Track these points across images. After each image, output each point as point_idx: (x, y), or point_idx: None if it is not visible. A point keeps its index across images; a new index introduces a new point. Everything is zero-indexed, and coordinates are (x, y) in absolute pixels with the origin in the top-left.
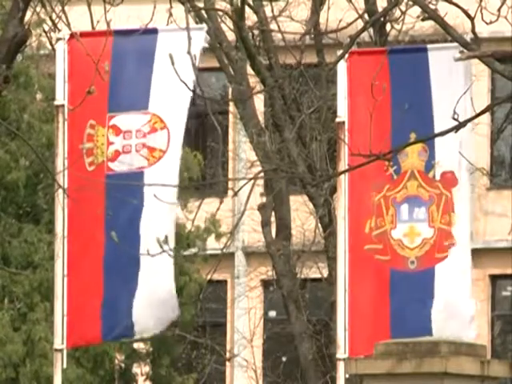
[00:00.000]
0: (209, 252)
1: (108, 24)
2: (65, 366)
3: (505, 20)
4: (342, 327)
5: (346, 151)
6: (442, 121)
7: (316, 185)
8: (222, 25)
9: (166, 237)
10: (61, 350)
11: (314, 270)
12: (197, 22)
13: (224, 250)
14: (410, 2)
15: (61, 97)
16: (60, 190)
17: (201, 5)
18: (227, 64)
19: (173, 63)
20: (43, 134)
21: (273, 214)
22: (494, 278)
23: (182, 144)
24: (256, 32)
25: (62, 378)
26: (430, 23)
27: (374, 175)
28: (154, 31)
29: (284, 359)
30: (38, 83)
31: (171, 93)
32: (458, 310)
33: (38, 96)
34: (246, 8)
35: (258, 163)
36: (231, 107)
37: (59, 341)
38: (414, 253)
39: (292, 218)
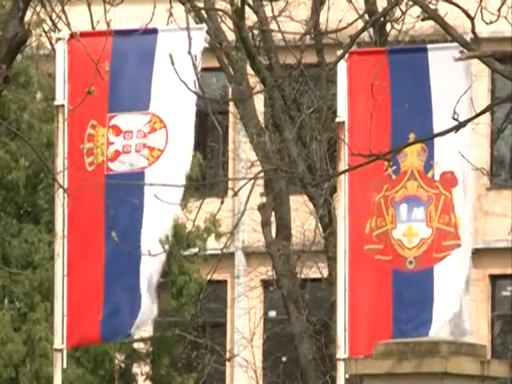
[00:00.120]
0: (209, 252)
1: (108, 24)
2: (65, 365)
3: (505, 20)
4: (341, 327)
5: (346, 151)
6: (441, 121)
7: (316, 185)
8: (222, 25)
9: (167, 237)
10: (61, 350)
11: (314, 270)
12: (197, 22)
13: (224, 250)
14: (410, 2)
15: (61, 97)
16: (60, 190)
17: (201, 5)
18: (227, 64)
19: (173, 63)
20: (43, 134)
21: (273, 214)
22: (494, 278)
23: (190, 145)
24: (256, 32)
25: (62, 378)
26: (430, 23)
27: (374, 175)
28: (154, 31)
29: (284, 359)
30: (38, 83)
31: (172, 93)
32: (458, 310)
33: (38, 96)
34: (246, 8)
35: (258, 163)
36: (231, 107)
37: (59, 341)
38: (412, 253)
39: (292, 218)
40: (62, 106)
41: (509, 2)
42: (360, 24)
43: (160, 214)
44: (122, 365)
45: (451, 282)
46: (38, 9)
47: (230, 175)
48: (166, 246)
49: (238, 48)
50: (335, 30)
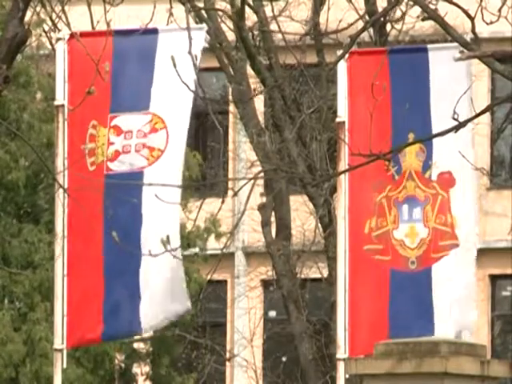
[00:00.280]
0: (209, 252)
1: (108, 24)
2: (65, 365)
3: (505, 20)
4: (342, 327)
5: (346, 151)
6: (441, 121)
7: (316, 185)
8: (222, 25)
9: (168, 236)
10: (61, 350)
11: (314, 270)
12: (197, 22)
13: (224, 250)
14: (410, 2)
15: (61, 97)
16: (60, 190)
17: (201, 5)
18: (227, 64)
19: (175, 66)
20: (43, 134)
21: (273, 214)
22: (494, 278)
23: (184, 144)
24: (256, 32)
25: (62, 378)
26: (429, 23)
27: (375, 175)
28: (155, 31)
29: (284, 359)
30: (38, 83)
31: (172, 93)
32: (458, 310)
33: (38, 96)
34: (246, 8)
35: (258, 163)
36: (231, 107)
37: (59, 341)
38: (414, 253)
39: (292, 218)
40: (62, 106)
41: (509, 2)
42: (360, 24)
43: (160, 214)
44: (122, 365)
45: (450, 282)
46: (38, 9)
47: (230, 175)
48: (172, 246)
49: (238, 48)
50: (335, 30)
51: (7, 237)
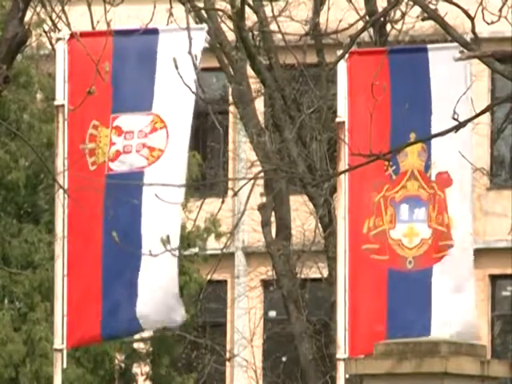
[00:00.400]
0: (209, 252)
1: (108, 24)
2: (65, 365)
3: (505, 20)
4: (342, 327)
5: (346, 151)
6: (441, 121)
7: (316, 185)
8: (222, 25)
9: (168, 236)
10: (61, 350)
11: (314, 270)
12: (197, 22)
13: (224, 250)
14: (411, 3)
15: (61, 97)
16: (60, 191)
17: (201, 5)
18: (227, 64)
19: (176, 67)
20: (43, 134)
21: (273, 214)
22: (494, 278)
23: (186, 145)
24: (256, 32)
25: (62, 378)
26: (430, 23)
27: (374, 175)
28: (155, 31)
29: (284, 359)
30: (38, 83)
31: (173, 93)
32: (456, 311)
33: (38, 96)
34: (246, 8)
35: (258, 163)
36: (231, 107)
37: (59, 341)
38: (412, 253)
39: (292, 218)
40: (62, 105)
41: (509, 2)
42: (360, 24)
43: (161, 214)
44: (122, 365)
45: (448, 282)
46: (38, 9)
47: (230, 175)
48: (169, 246)
49: (238, 48)
50: (335, 30)
51: (7, 237)
